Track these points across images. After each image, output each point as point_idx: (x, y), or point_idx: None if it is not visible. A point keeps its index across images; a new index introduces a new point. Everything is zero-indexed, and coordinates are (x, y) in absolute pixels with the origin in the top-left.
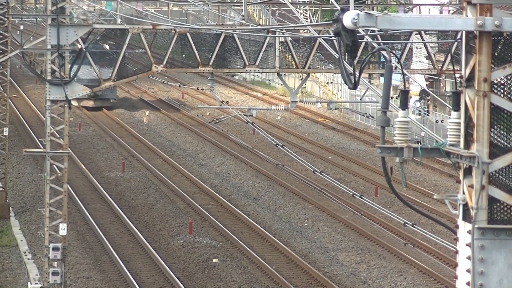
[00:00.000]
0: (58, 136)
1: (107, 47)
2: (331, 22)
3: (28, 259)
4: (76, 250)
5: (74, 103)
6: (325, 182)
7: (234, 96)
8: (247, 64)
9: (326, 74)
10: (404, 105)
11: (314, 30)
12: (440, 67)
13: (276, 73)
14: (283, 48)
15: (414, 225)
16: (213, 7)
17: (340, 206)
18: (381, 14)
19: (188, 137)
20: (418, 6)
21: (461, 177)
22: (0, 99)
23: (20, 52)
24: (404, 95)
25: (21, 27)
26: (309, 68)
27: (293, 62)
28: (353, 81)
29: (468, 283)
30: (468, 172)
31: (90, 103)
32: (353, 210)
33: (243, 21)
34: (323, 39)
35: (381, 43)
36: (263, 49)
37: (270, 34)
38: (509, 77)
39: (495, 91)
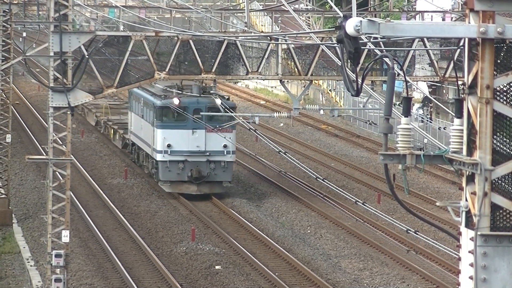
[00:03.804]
0: (61, 143)
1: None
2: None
3: (31, 266)
4: (78, 257)
5: (167, 189)
6: (327, 189)
7: (236, 103)
8: (250, 71)
9: (328, 81)
10: (406, 112)
11: (317, 37)
12: (442, 74)
13: (278, 80)
14: (286, 55)
15: (417, 232)
16: (215, 14)
17: (343, 213)
18: (384, 21)
19: None
20: (420, 13)
21: (463, 184)
22: (2, 106)
23: (23, 59)
24: (407, 102)
25: (24, 34)
26: (311, 75)
27: (295, 69)
28: (355, 88)
29: None
30: (470, 179)
31: (192, 188)
32: (356, 217)
33: (246, 28)
34: (326, 46)
35: (384, 50)
36: (266, 56)
37: (272, 41)
38: (511, 84)
39: (498, 98)
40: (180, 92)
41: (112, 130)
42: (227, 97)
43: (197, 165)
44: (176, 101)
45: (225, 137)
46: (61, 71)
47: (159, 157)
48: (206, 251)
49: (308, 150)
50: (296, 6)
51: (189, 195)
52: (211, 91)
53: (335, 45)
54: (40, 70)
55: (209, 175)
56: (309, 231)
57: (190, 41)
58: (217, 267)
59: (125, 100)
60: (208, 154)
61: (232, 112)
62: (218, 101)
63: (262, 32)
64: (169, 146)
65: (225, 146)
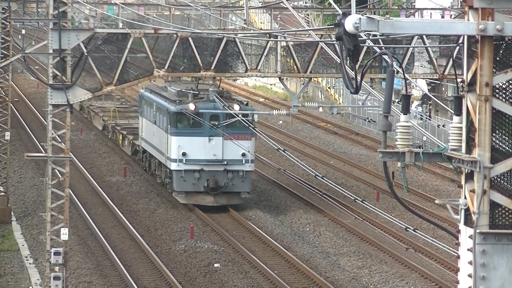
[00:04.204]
0: (60, 140)
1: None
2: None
3: (30, 263)
4: (77, 255)
5: (182, 201)
6: (326, 186)
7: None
8: (249, 68)
9: (327, 78)
10: (405, 110)
11: (316, 34)
12: (442, 72)
13: (277, 78)
14: (285, 52)
15: (416, 230)
16: (214, 12)
17: (342, 211)
18: (383, 19)
19: None
20: (420, 11)
21: (462, 182)
22: (1, 103)
23: (22, 56)
24: (406, 100)
25: (23, 31)
26: (310, 72)
27: (295, 66)
28: (355, 85)
29: None
30: (469, 177)
31: (208, 200)
32: (355, 215)
33: (245, 26)
34: (325, 43)
35: (383, 48)
36: (265, 54)
37: (272, 39)
38: (510, 82)
39: (497, 95)
40: (196, 95)
41: (121, 135)
42: (245, 102)
43: (213, 175)
44: (191, 106)
45: (242, 145)
46: (60, 69)
47: (173, 166)
48: (205, 249)
49: (307, 147)
50: (295, 3)
51: (205, 206)
52: (229, 96)
53: (334, 42)
54: (39, 67)
55: (226, 185)
56: (308, 229)
57: (189, 39)
58: (216, 265)
59: (133, 103)
60: (225, 163)
61: (249, 124)
62: (236, 107)
63: (261, 29)
64: (184, 154)
65: (243, 154)
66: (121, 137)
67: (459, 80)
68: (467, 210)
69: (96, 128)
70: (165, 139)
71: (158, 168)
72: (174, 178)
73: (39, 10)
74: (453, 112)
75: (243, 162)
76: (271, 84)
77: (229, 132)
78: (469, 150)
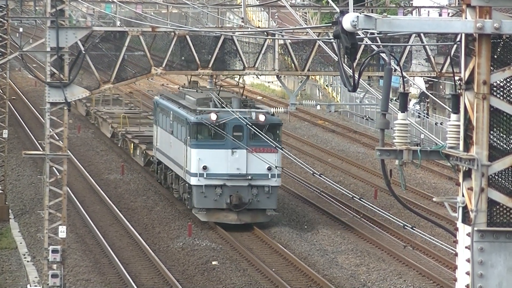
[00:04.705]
0: (58, 138)
1: None
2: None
3: (28, 261)
4: (75, 253)
5: (202, 218)
6: (324, 184)
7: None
8: (247, 66)
9: (325, 76)
10: (403, 108)
11: (314, 32)
12: (439, 70)
13: (275, 76)
14: (283, 50)
15: (414, 228)
16: (212, 10)
17: (340, 208)
18: (381, 17)
19: None
20: (417, 9)
21: (460, 180)
22: None
23: (20, 55)
24: (404, 98)
25: (21, 30)
26: (308, 70)
27: (292, 64)
28: (352, 83)
29: (467, 286)
30: (467, 174)
31: (231, 217)
32: (353, 213)
33: (243, 24)
34: (322, 41)
35: (381, 46)
36: (263, 52)
37: (269, 37)
38: (508, 80)
39: (495, 93)
40: (219, 103)
41: (132, 144)
42: (271, 112)
43: (237, 191)
44: (213, 116)
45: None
46: (58, 67)
47: (193, 181)
48: (203, 247)
49: (304, 145)
50: (293, 1)
51: (227, 225)
52: (253, 104)
53: (332, 40)
54: (37, 65)
55: (251, 202)
56: (306, 226)
57: (187, 37)
58: (214, 262)
59: (143, 109)
60: (250, 177)
61: (272, 141)
62: (262, 117)
63: (259, 27)
64: (205, 168)
65: (269, 168)
66: (132, 146)
67: (456, 78)
68: (465, 208)
69: (94, 126)
70: (184, 151)
71: (175, 181)
72: (194, 194)
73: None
74: (450, 110)
75: (269, 177)
76: (268, 82)
77: (253, 144)
78: (466, 148)
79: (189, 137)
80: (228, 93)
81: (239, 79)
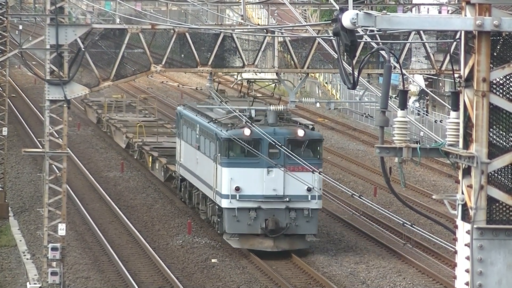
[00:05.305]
0: (57, 136)
1: None
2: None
3: (27, 259)
4: (75, 250)
5: (235, 245)
6: (324, 182)
7: (233, 95)
8: (246, 63)
9: (325, 74)
10: (403, 105)
11: (313, 30)
12: (439, 67)
13: (275, 73)
14: (282, 48)
15: (413, 225)
16: (212, 7)
17: (339, 206)
18: (380, 14)
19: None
20: (417, 6)
21: (460, 177)
22: None
23: (19, 52)
24: (403, 95)
25: (20, 27)
26: (308, 68)
27: (292, 62)
28: (352, 81)
29: (467, 283)
30: (467, 172)
31: (267, 244)
32: (352, 210)
33: (242, 21)
34: (322, 39)
35: (380, 43)
36: (262, 49)
37: (269, 34)
38: (508, 77)
39: (494, 91)
40: (250, 118)
41: (151, 157)
42: (311, 126)
43: (273, 214)
44: (246, 131)
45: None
46: (57, 64)
47: (224, 203)
48: (203, 244)
49: None
50: None
51: (263, 252)
52: (290, 118)
53: (332, 38)
54: (37, 63)
55: (288, 226)
56: None
57: (187, 34)
58: (213, 260)
59: (158, 117)
60: (287, 199)
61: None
62: (301, 132)
63: (258, 25)
64: (237, 189)
65: (309, 189)
66: (150, 160)
67: (456, 75)
68: (464, 206)
69: (93, 124)
70: (213, 169)
71: (203, 202)
72: (225, 218)
73: (36, 5)
74: (450, 107)
75: (309, 199)
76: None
77: (292, 163)
78: (466, 145)
79: (219, 154)
80: (261, 103)
81: (237, 77)
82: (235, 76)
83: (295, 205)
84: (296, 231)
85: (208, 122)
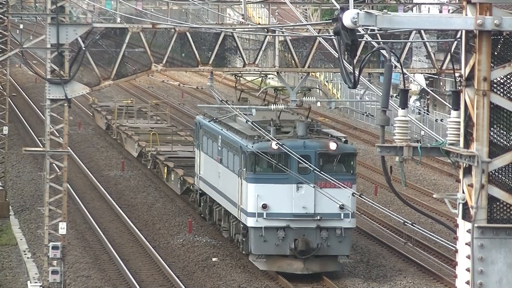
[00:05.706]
0: (58, 135)
1: None
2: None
3: (28, 258)
4: (75, 249)
5: (262, 267)
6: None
7: (233, 95)
8: (247, 63)
9: (326, 73)
10: (403, 104)
11: (314, 29)
12: (440, 66)
13: (276, 72)
14: (283, 47)
15: (414, 224)
16: (212, 6)
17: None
18: (381, 13)
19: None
20: (417, 6)
21: (460, 176)
22: None
23: (20, 51)
24: (404, 94)
25: (21, 26)
26: (308, 67)
27: (292, 61)
28: (352, 80)
29: (467, 282)
30: (467, 171)
31: (296, 266)
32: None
33: (243, 20)
34: (323, 38)
35: (381, 42)
36: (263, 48)
37: (269, 33)
38: (508, 76)
39: (495, 90)
40: (279, 129)
41: (166, 168)
42: (344, 139)
43: (303, 234)
44: (274, 145)
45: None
46: (58, 63)
47: (250, 222)
48: (203, 243)
49: None
50: None
51: (292, 274)
52: (320, 129)
53: (332, 37)
54: (37, 62)
55: (320, 247)
56: None
57: (187, 33)
58: (214, 259)
59: (171, 123)
60: (318, 218)
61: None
62: (333, 145)
63: (259, 24)
64: (264, 207)
65: (341, 207)
66: (165, 171)
67: (457, 74)
68: (465, 204)
69: (94, 123)
70: (237, 185)
71: (225, 219)
72: (251, 238)
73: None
74: (451, 106)
75: (342, 217)
76: (269, 79)
77: (323, 179)
78: (467, 144)
79: (244, 169)
80: (289, 114)
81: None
82: (236, 77)
83: (327, 224)
84: (327, 252)
85: (229, 132)
